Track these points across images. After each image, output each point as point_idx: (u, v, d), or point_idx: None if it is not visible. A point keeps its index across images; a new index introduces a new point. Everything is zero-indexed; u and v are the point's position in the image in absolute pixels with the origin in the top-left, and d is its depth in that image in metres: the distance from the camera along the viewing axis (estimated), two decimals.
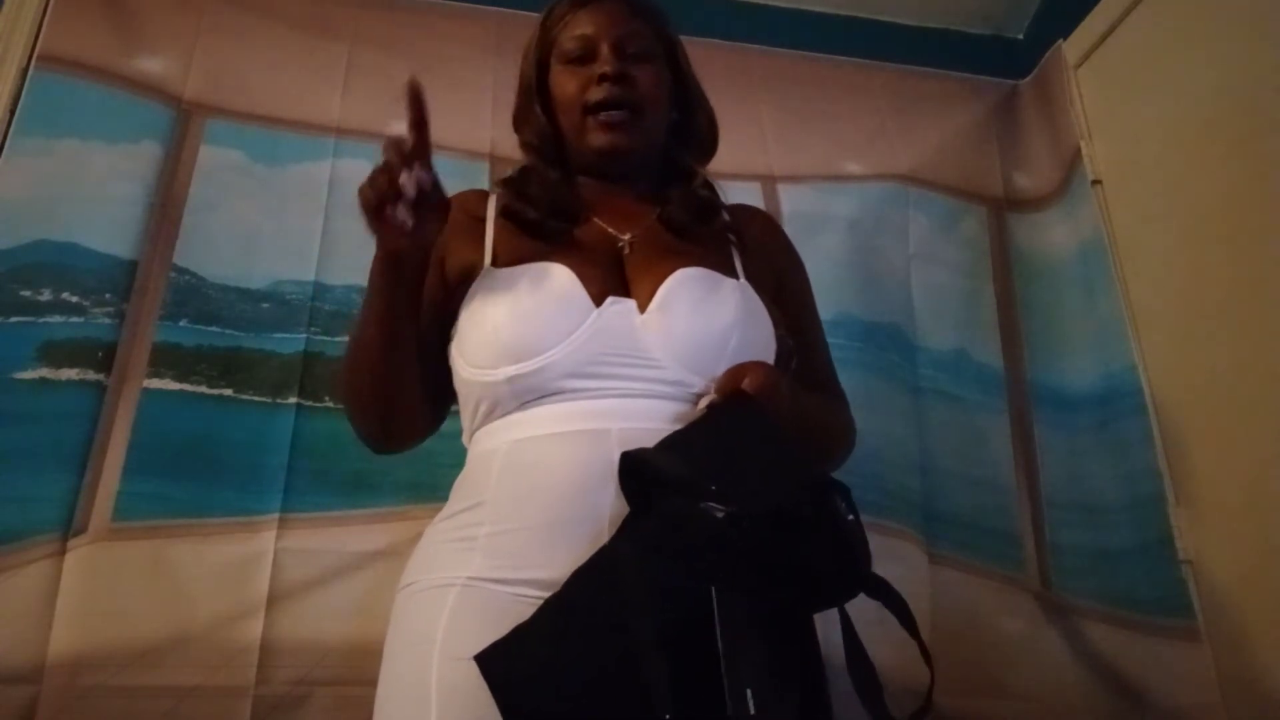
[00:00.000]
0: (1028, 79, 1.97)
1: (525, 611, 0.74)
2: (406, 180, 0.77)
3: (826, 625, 0.76)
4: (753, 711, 0.60)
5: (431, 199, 0.80)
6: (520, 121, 1.06)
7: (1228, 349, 1.43)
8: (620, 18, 1.00)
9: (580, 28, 1.00)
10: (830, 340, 1.10)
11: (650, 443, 0.76)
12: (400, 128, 0.79)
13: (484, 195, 1.03)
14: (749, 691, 0.61)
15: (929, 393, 1.67)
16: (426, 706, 0.74)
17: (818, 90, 1.90)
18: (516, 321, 0.85)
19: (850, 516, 0.69)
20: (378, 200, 0.78)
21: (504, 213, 0.97)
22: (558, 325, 0.84)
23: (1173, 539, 1.46)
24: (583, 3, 1.01)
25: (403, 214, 0.78)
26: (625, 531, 0.73)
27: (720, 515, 0.66)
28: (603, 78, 0.96)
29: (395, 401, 0.91)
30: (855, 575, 0.70)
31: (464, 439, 0.93)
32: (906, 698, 0.73)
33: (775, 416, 0.79)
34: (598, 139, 0.97)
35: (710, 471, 0.70)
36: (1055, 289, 1.78)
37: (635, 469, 0.74)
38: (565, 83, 0.99)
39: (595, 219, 0.97)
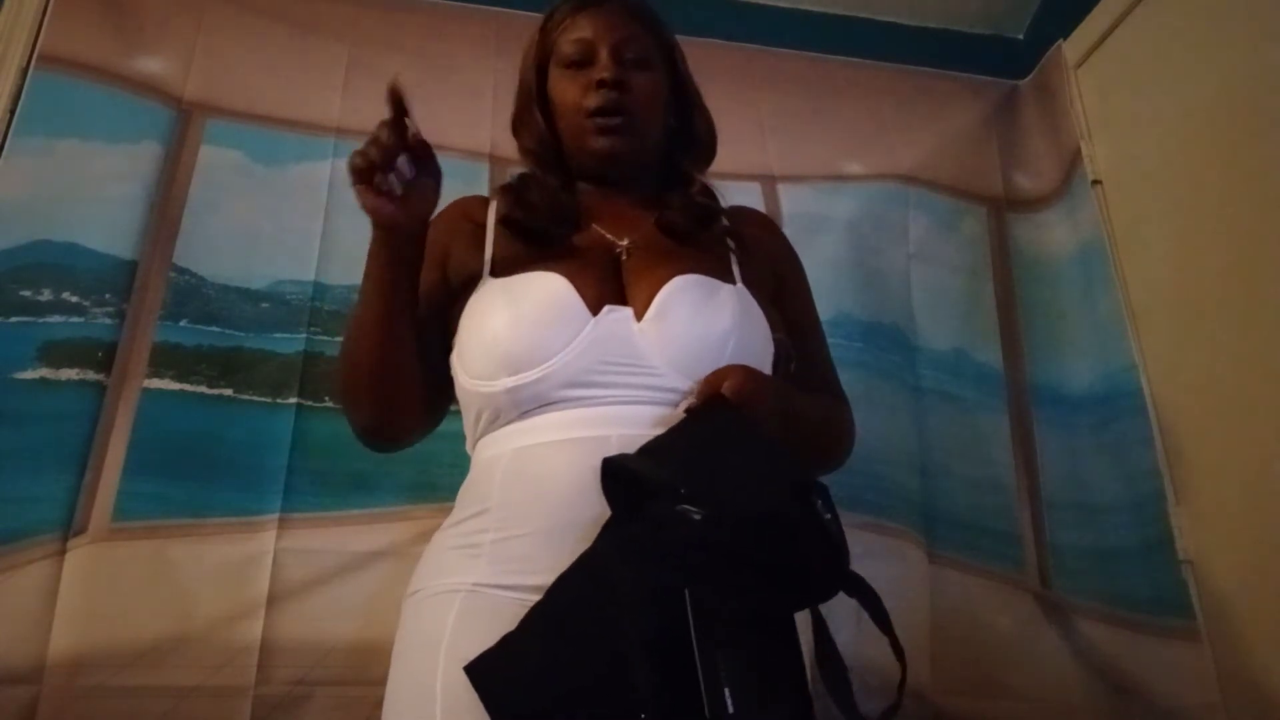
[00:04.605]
0: (1028, 79, 1.97)
1: None
2: (404, 162, 0.81)
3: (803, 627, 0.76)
4: (730, 711, 0.60)
5: (426, 171, 0.83)
6: (519, 126, 1.06)
7: (1227, 349, 1.43)
8: (619, 22, 1.00)
9: (579, 32, 1.00)
10: (830, 340, 1.10)
11: None
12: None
13: (485, 201, 1.04)
14: (727, 691, 0.61)
15: (929, 393, 1.67)
16: (431, 709, 0.74)
17: (818, 90, 1.90)
18: (514, 333, 0.85)
19: (828, 515, 0.69)
20: (367, 167, 0.80)
21: (503, 220, 0.97)
22: (555, 336, 0.84)
23: (1173, 539, 1.46)
24: (582, 6, 1.01)
25: (394, 181, 0.81)
26: (606, 535, 0.73)
27: (698, 517, 0.66)
28: (600, 84, 0.96)
29: (391, 383, 0.90)
30: (835, 574, 0.70)
31: (467, 447, 0.94)
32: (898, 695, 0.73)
33: (758, 419, 0.79)
34: (595, 143, 0.98)
35: (688, 475, 0.70)
36: (1055, 289, 1.78)
37: (615, 474, 0.74)
38: (565, 87, 0.99)
39: (594, 225, 0.97)
